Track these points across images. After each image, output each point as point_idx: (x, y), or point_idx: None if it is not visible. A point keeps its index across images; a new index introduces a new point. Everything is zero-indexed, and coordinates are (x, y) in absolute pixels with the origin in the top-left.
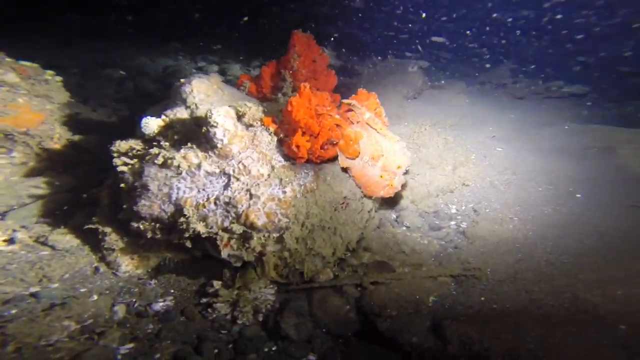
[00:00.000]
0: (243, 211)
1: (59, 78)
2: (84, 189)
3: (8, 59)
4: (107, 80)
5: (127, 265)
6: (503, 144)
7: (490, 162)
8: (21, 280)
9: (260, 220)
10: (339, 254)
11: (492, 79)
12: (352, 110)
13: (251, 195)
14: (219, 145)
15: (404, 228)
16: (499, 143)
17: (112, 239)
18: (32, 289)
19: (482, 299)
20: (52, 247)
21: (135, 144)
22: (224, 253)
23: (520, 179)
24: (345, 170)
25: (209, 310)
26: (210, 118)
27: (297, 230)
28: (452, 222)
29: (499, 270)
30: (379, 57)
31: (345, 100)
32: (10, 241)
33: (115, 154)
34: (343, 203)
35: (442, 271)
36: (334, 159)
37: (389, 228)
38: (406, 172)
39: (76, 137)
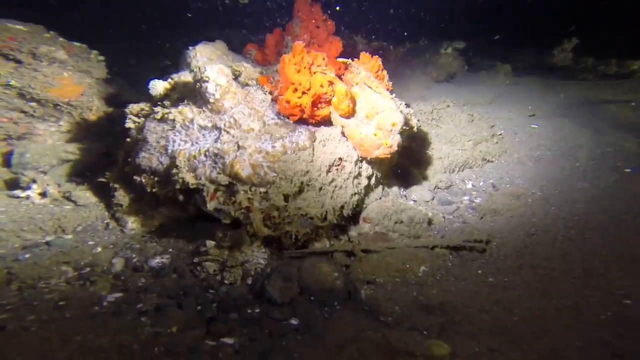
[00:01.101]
0: (229, 162)
1: (101, 57)
2: (112, 154)
3: (61, 39)
4: (153, 68)
5: (133, 222)
6: (543, 121)
7: (521, 139)
8: (41, 229)
9: (244, 171)
10: (330, 217)
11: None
12: (350, 71)
13: (239, 147)
14: (211, 100)
15: (411, 202)
16: (538, 120)
17: (120, 194)
18: (48, 238)
19: (479, 272)
20: (74, 202)
21: (145, 106)
22: (210, 205)
23: (555, 154)
24: (343, 134)
25: (199, 268)
26: (203, 73)
27: (285, 186)
28: (466, 197)
29: (506, 244)
30: (410, 41)
31: (340, 59)
32: (43, 194)
33: (128, 115)
34: (338, 165)
35: (439, 242)
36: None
37: (393, 200)
38: (402, 132)
39: (110, 109)
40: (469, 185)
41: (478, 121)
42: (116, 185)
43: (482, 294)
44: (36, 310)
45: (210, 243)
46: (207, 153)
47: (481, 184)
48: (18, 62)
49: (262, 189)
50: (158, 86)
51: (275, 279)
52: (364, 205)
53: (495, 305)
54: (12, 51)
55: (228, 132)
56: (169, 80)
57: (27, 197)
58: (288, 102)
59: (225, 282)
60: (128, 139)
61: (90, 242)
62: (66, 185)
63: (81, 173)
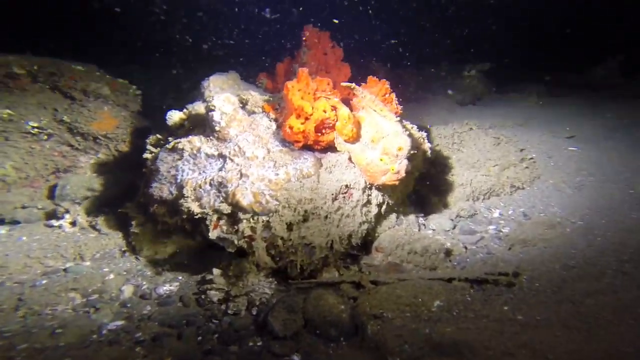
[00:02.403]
0: (231, 190)
1: (138, 91)
2: (137, 184)
3: (107, 76)
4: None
5: (147, 250)
6: (583, 144)
7: (556, 163)
8: (62, 256)
9: (245, 200)
10: (337, 246)
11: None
12: (355, 95)
13: (241, 175)
14: (217, 128)
15: (429, 231)
16: (577, 143)
17: (136, 223)
18: (67, 264)
19: (505, 308)
20: (98, 231)
21: (162, 136)
22: (213, 234)
23: (600, 180)
24: (351, 160)
25: (203, 297)
26: (210, 102)
27: (288, 215)
28: (492, 227)
29: (540, 278)
30: (431, 65)
31: (344, 84)
32: (74, 224)
33: (147, 146)
34: (345, 192)
35: (457, 273)
36: None
37: (408, 228)
38: (411, 158)
39: (140, 141)
40: (496, 214)
41: (505, 144)
42: (133, 215)
43: (508, 333)
44: (31, 339)
45: (216, 271)
46: (212, 182)
47: (510, 212)
48: (72, 99)
49: (265, 218)
50: (174, 116)
51: (279, 311)
52: (376, 234)
53: (523, 348)
54: (69, 89)
55: (232, 160)
56: (184, 110)
57: (60, 227)
58: (291, 128)
59: (229, 312)
60: (144, 169)
61: (105, 269)
62: (95, 214)
63: (109, 202)
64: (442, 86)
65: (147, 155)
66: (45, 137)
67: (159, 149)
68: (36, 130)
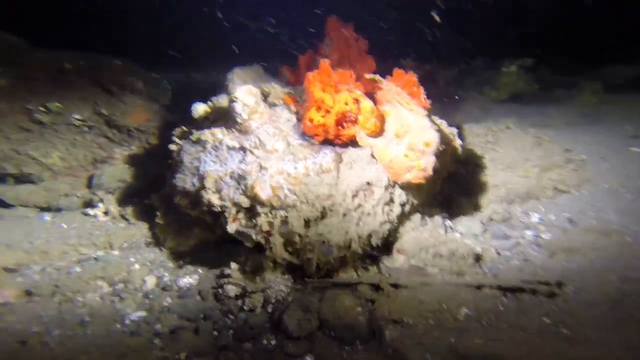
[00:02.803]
0: (250, 183)
1: (169, 86)
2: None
3: (142, 70)
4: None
5: (170, 241)
6: None
7: (613, 165)
8: (94, 244)
9: (264, 193)
10: (355, 246)
11: None
12: (380, 88)
13: (261, 168)
14: (239, 120)
15: (457, 234)
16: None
17: (160, 214)
18: (98, 252)
19: (546, 321)
20: (127, 221)
21: (187, 128)
22: (231, 228)
23: None
24: (373, 155)
25: (220, 291)
26: (232, 94)
27: (305, 210)
28: (529, 232)
29: (591, 290)
30: (464, 61)
31: (368, 75)
32: (106, 213)
33: (173, 138)
34: (366, 189)
35: (488, 280)
36: None
37: (434, 230)
38: (439, 155)
39: (169, 134)
40: (535, 219)
41: (548, 144)
42: (158, 206)
43: (549, 349)
44: (64, 325)
45: (234, 266)
46: (232, 174)
47: (552, 217)
48: (110, 93)
49: (283, 212)
50: (199, 108)
51: (294, 310)
52: (398, 235)
53: None
54: (108, 83)
55: (252, 153)
56: (209, 103)
57: (94, 215)
58: (311, 120)
59: (245, 308)
60: (170, 161)
61: (131, 259)
62: (125, 204)
63: (139, 193)
64: (476, 83)
65: (172, 147)
66: (87, 129)
67: (184, 140)
68: (79, 122)
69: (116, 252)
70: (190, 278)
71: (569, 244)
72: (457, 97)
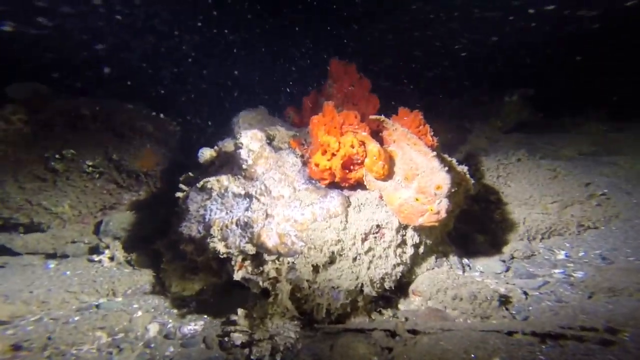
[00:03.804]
0: (257, 231)
1: (177, 128)
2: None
3: (153, 114)
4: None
5: (176, 287)
6: None
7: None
8: (97, 291)
9: (270, 241)
10: (367, 289)
11: None
12: (386, 128)
13: (267, 215)
14: (244, 166)
15: (476, 273)
16: None
17: (166, 260)
18: (100, 300)
19: None
20: (133, 266)
21: (194, 173)
22: (238, 275)
23: None
24: (382, 197)
25: (226, 339)
26: (238, 140)
27: (313, 256)
28: (558, 270)
29: None
30: (467, 93)
31: (373, 116)
32: (112, 258)
33: (180, 185)
34: (376, 232)
35: (520, 326)
36: None
37: (450, 271)
38: (450, 196)
39: (177, 178)
40: (561, 256)
41: (564, 178)
42: (164, 252)
43: None
44: None
45: (240, 312)
46: (238, 222)
47: (581, 254)
48: (121, 137)
49: (290, 259)
50: (205, 154)
51: (303, 359)
52: (413, 277)
53: None
54: (120, 127)
55: (258, 200)
56: (215, 147)
57: (100, 261)
58: (317, 165)
59: (252, 357)
60: (176, 208)
61: (135, 306)
62: (131, 250)
63: (145, 239)
64: (480, 113)
65: (179, 194)
66: (98, 175)
67: (190, 187)
68: (91, 169)
69: (119, 299)
70: (194, 325)
71: (608, 284)
72: (465, 127)
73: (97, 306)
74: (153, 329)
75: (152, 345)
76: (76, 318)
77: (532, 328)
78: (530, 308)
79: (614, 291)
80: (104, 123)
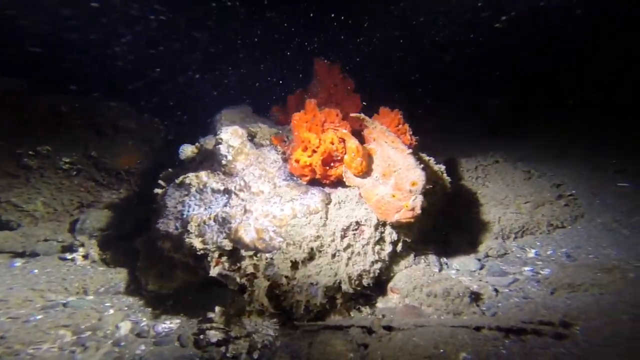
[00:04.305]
0: (234, 227)
1: (161, 126)
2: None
3: (135, 112)
4: None
5: (152, 285)
6: (636, 179)
7: (603, 201)
8: (66, 289)
9: (248, 236)
10: (345, 286)
11: None
12: (366, 127)
13: (245, 211)
14: (223, 162)
15: (452, 271)
16: (628, 178)
17: (144, 257)
18: (69, 298)
19: None
20: (108, 264)
21: (174, 170)
22: (214, 271)
23: None
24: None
25: (202, 337)
26: (218, 136)
27: (292, 252)
28: (527, 268)
29: (602, 330)
30: (450, 98)
31: (353, 114)
32: (86, 257)
33: (159, 181)
34: (356, 229)
35: (487, 321)
36: None
37: (427, 268)
38: (428, 193)
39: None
40: (531, 254)
41: (537, 179)
42: (141, 249)
43: None
44: None
45: (217, 309)
46: (216, 218)
47: (549, 252)
48: (102, 134)
49: (269, 255)
50: (186, 150)
51: (282, 356)
52: (391, 274)
53: None
54: (101, 124)
55: (237, 196)
56: (196, 144)
57: (73, 259)
58: (297, 161)
59: (228, 355)
60: (154, 205)
61: (107, 304)
62: (108, 247)
63: (124, 236)
64: (461, 117)
65: (157, 190)
66: (75, 172)
67: (169, 184)
68: (68, 166)
69: (91, 297)
70: (170, 322)
71: (569, 280)
72: (447, 129)
73: (65, 304)
74: (125, 327)
75: (122, 343)
76: (39, 317)
77: (497, 323)
78: (500, 304)
79: (572, 287)
80: (85, 120)
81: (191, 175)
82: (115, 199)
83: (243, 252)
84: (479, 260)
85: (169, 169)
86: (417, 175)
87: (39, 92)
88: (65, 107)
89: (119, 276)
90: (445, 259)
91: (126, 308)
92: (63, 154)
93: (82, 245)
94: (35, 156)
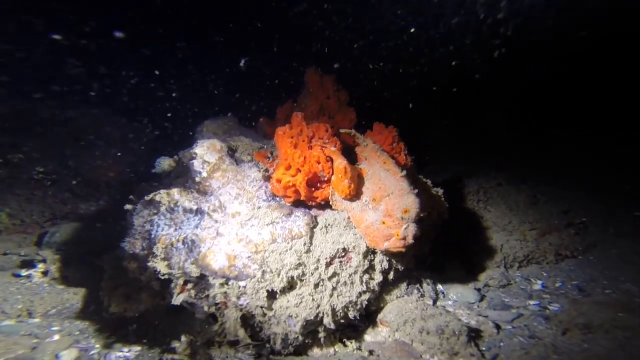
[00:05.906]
0: (203, 251)
1: (151, 135)
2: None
3: (123, 120)
4: None
5: (116, 307)
6: None
7: (619, 230)
8: (2, 312)
9: (217, 263)
10: (327, 320)
11: None
12: (358, 144)
13: (217, 234)
14: (197, 179)
15: (449, 302)
16: None
17: (108, 277)
18: (4, 323)
19: None
20: (67, 283)
21: (148, 184)
22: (178, 299)
23: None
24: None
25: None
26: (192, 150)
27: (269, 281)
28: (533, 302)
29: None
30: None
31: (343, 130)
32: (45, 273)
33: (131, 197)
34: (342, 257)
35: None
36: None
37: (420, 300)
38: (421, 220)
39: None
40: (537, 286)
41: (544, 205)
42: (107, 268)
43: None
44: None
45: (184, 339)
46: (185, 240)
47: (558, 284)
48: (82, 142)
49: (242, 284)
50: (164, 163)
51: None
52: (382, 305)
53: None
54: (82, 132)
55: (211, 217)
56: (175, 157)
57: (28, 276)
58: (279, 181)
59: None
60: (123, 222)
61: (54, 328)
62: (73, 264)
63: (93, 253)
64: (461, 133)
65: (128, 206)
66: (49, 183)
67: (140, 200)
68: (41, 175)
69: (35, 320)
70: (127, 351)
71: (583, 319)
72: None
73: None
74: (67, 356)
75: None
76: None
77: None
78: (502, 344)
79: (589, 327)
80: (64, 128)
81: (162, 192)
82: (93, 212)
83: (211, 280)
84: (479, 290)
85: (143, 183)
86: (410, 202)
87: (14, 97)
88: (45, 113)
89: (77, 296)
90: (441, 287)
91: (77, 333)
92: (37, 163)
93: (44, 260)
94: (5, 165)
